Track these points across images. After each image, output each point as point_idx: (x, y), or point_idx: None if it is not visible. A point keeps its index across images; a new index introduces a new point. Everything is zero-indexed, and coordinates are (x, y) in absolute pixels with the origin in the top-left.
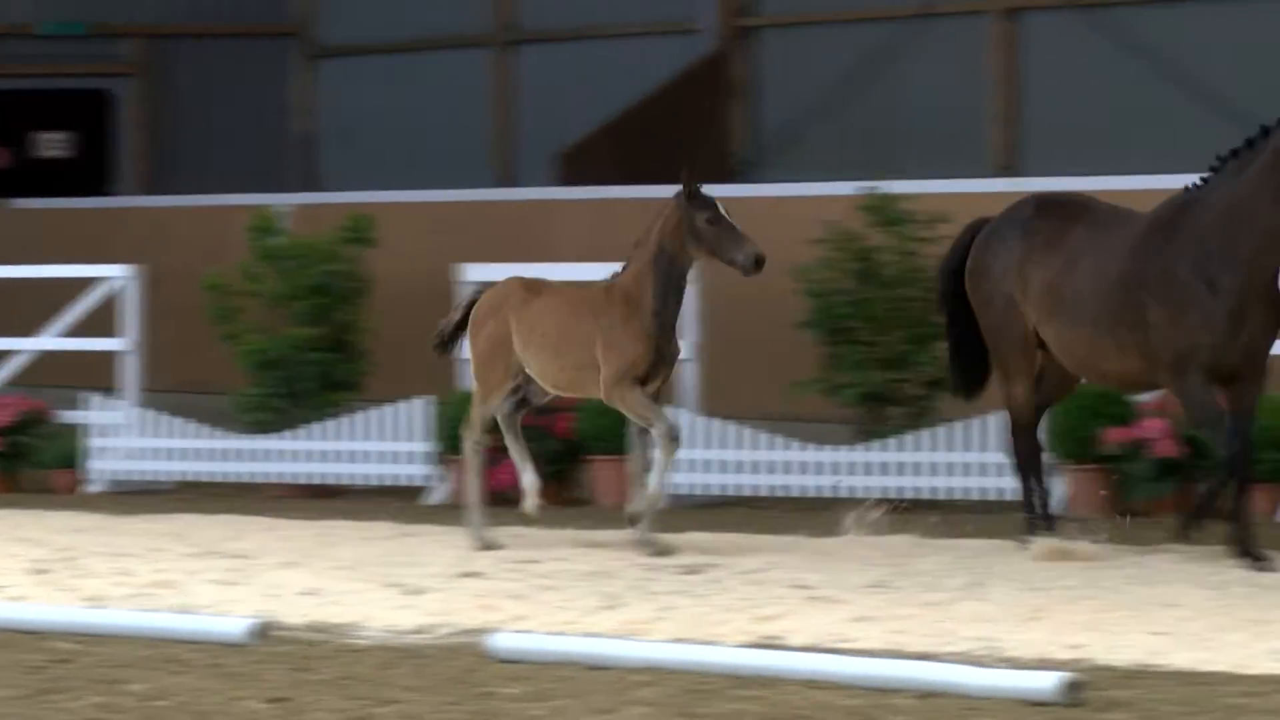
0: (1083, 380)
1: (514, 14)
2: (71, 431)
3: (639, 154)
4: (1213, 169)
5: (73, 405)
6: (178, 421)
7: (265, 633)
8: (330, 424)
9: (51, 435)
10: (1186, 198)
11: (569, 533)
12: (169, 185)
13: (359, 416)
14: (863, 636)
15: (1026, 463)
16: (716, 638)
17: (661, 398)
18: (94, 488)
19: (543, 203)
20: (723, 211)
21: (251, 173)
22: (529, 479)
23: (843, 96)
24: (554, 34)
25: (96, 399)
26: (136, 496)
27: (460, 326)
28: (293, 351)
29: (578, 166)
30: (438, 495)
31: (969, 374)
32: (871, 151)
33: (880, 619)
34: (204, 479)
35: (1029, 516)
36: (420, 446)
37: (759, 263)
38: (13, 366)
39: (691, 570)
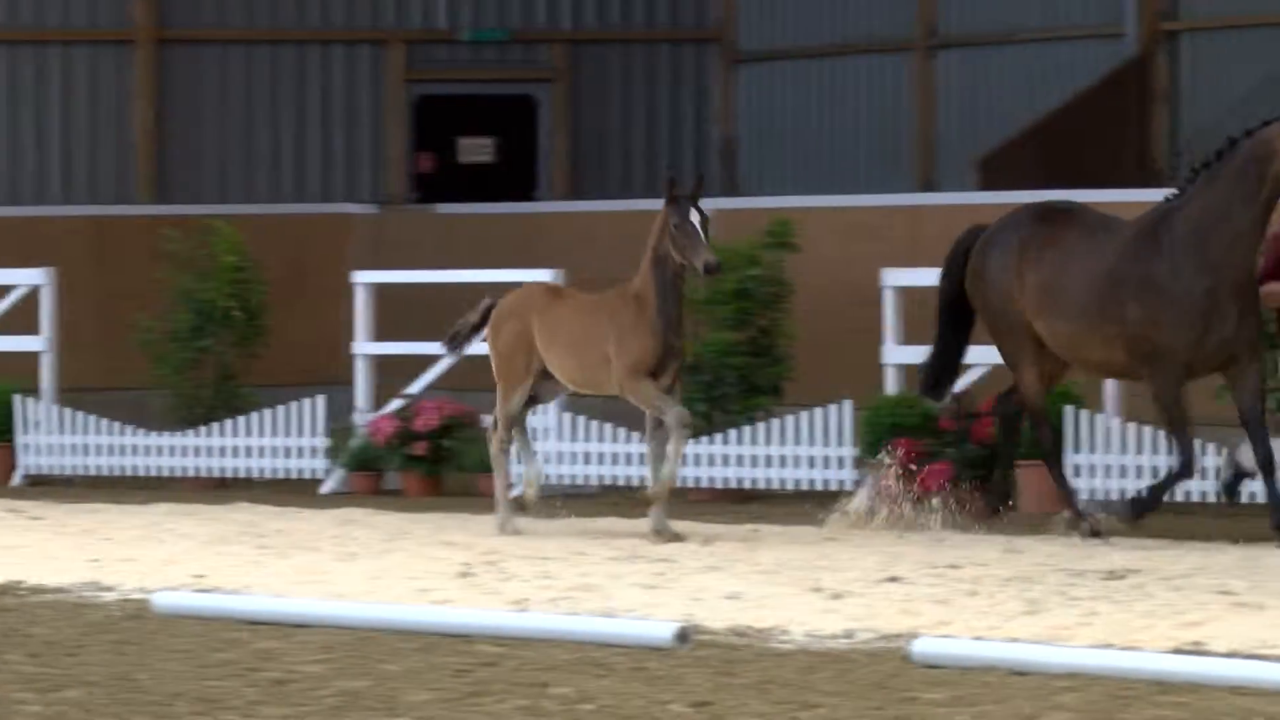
0: None
1: (935, 18)
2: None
3: (1060, 159)
4: (1187, 180)
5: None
6: (595, 425)
7: (689, 637)
8: (750, 429)
9: (475, 439)
10: (1166, 208)
11: (996, 538)
12: (590, 190)
13: (781, 421)
14: None
15: (1050, 449)
16: (1139, 643)
17: (675, 390)
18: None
19: (965, 207)
20: (691, 217)
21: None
22: (533, 470)
23: (1265, 101)
24: (975, 38)
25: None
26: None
27: (477, 328)
28: (715, 356)
29: (998, 172)
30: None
31: (940, 378)
32: None
33: None
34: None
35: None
36: (844, 451)
37: (709, 269)
38: (437, 371)
39: (1114, 576)
